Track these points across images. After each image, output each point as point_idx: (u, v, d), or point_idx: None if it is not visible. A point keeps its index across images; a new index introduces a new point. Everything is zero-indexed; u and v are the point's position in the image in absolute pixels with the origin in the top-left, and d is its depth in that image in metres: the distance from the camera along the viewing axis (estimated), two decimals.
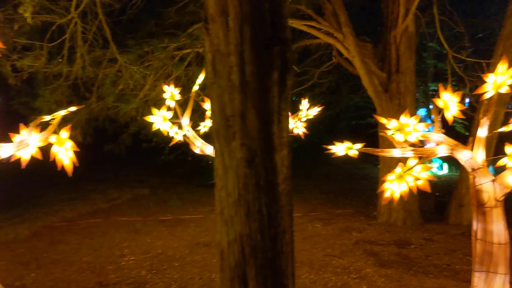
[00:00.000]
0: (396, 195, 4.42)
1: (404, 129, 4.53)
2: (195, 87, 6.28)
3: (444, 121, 4.49)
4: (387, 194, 4.44)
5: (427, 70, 16.31)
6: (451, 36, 9.13)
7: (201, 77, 6.29)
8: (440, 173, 16.44)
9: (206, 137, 6.95)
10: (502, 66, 3.68)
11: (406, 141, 4.69)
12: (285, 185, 2.43)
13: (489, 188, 4.02)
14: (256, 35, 2.11)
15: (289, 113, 2.53)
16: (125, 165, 14.86)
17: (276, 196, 2.33)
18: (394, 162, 4.94)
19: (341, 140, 4.59)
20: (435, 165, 16.56)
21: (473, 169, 4.14)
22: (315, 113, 7.05)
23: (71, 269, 5.87)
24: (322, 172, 15.18)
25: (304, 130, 7.08)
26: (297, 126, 7.08)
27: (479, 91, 3.90)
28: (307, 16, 7.91)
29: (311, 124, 7.12)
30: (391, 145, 4.65)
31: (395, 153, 4.60)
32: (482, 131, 4.09)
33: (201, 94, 6.74)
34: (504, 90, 3.79)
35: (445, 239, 7.06)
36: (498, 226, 4.03)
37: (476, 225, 4.19)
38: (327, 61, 9.73)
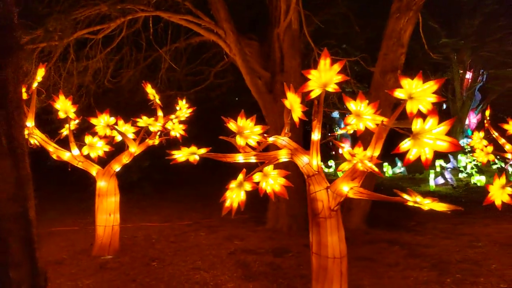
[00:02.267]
0: (235, 204, 4.04)
1: (243, 132, 4.11)
2: (35, 84, 5.55)
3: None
4: (227, 203, 4.03)
5: None
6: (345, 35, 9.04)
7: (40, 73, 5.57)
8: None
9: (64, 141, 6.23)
10: (324, 62, 3.33)
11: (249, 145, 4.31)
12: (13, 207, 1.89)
13: (323, 196, 3.68)
14: None
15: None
16: None
17: None
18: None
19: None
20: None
21: (308, 176, 3.80)
22: (187, 115, 6.56)
23: None
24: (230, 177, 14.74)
25: (182, 132, 6.55)
26: (173, 128, 6.54)
27: (303, 89, 3.54)
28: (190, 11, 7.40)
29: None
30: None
31: (239, 158, 4.18)
32: (315, 135, 3.75)
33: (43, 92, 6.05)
34: (331, 88, 3.46)
35: None
36: (332, 238, 3.71)
37: (311, 237, 3.86)
38: (222, 60, 9.28)
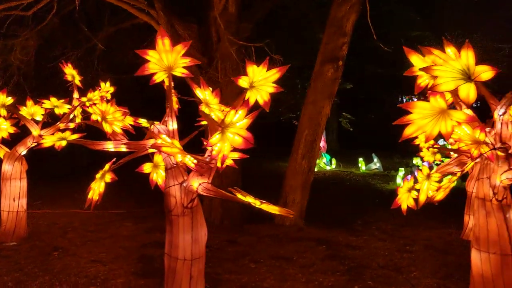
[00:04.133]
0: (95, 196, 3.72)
1: (106, 117, 3.76)
2: None
3: None
4: (90, 195, 3.70)
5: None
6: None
7: None
8: (328, 168, 16.30)
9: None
10: (162, 42, 2.95)
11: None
12: None
13: (177, 192, 3.33)
14: None
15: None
16: None
17: None
18: None
19: None
20: (323, 160, 16.42)
21: (166, 168, 3.45)
22: (102, 98, 6.19)
23: None
24: None
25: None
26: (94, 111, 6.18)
27: (142, 72, 3.16)
28: None
29: None
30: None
31: (109, 146, 3.83)
32: (170, 124, 3.39)
33: None
34: (178, 72, 3.09)
35: (249, 242, 6.49)
36: (185, 239, 3.36)
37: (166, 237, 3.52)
38: None
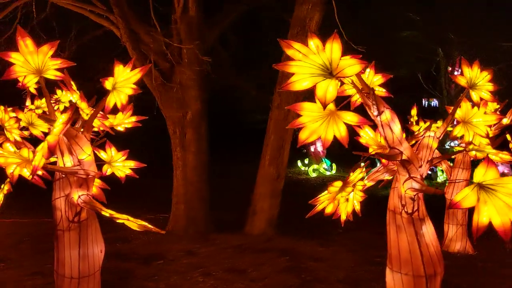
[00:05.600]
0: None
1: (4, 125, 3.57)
2: None
3: None
4: None
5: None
6: None
7: None
8: (328, 173, 15.82)
9: None
10: (24, 43, 2.71)
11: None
12: None
13: (62, 204, 3.09)
14: None
15: None
16: None
17: None
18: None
19: None
20: (323, 165, 15.96)
21: (54, 179, 3.22)
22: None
23: None
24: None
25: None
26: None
27: (8, 76, 2.92)
28: None
29: None
30: None
31: None
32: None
33: None
34: (51, 75, 2.83)
35: (208, 253, 6.20)
36: (72, 255, 3.12)
37: None
38: None
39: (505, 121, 5.90)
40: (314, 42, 2.11)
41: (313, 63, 2.10)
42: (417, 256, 2.73)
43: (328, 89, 2.07)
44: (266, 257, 6.06)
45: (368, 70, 3.03)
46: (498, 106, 5.77)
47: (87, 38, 8.51)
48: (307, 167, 16.49)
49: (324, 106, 2.10)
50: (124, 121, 3.19)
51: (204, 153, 7.11)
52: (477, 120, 3.25)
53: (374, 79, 3.04)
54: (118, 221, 2.47)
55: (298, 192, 10.87)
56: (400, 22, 13.92)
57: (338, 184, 2.90)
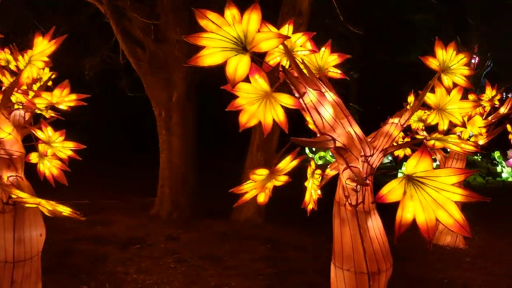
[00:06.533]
0: None
1: None
2: None
3: None
4: None
5: None
6: None
7: None
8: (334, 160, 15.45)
9: None
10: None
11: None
12: None
13: None
14: None
15: None
16: None
17: None
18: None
19: None
20: (329, 152, 15.60)
21: None
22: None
23: None
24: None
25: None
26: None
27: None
28: None
29: None
30: None
31: None
32: None
33: None
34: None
35: (189, 239, 6.05)
36: (6, 239, 2.99)
37: None
38: None
39: (502, 110, 5.54)
40: (231, 12, 1.86)
41: (227, 36, 1.87)
42: (360, 252, 2.50)
43: (239, 65, 1.83)
44: (247, 245, 5.90)
45: (323, 49, 2.76)
46: (495, 93, 5.41)
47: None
48: (314, 154, 16.22)
49: (233, 85, 1.86)
50: (64, 99, 3.02)
51: (190, 138, 6.93)
52: (452, 107, 2.95)
53: (329, 59, 2.78)
54: (27, 205, 2.32)
55: (298, 180, 10.66)
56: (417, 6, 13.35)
57: (263, 172, 2.67)
